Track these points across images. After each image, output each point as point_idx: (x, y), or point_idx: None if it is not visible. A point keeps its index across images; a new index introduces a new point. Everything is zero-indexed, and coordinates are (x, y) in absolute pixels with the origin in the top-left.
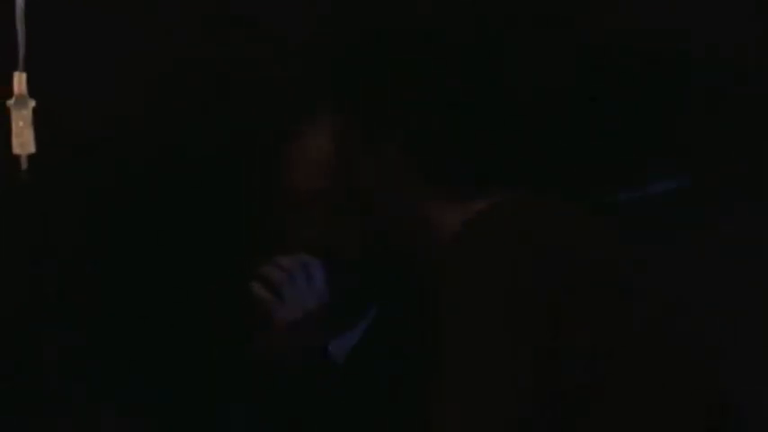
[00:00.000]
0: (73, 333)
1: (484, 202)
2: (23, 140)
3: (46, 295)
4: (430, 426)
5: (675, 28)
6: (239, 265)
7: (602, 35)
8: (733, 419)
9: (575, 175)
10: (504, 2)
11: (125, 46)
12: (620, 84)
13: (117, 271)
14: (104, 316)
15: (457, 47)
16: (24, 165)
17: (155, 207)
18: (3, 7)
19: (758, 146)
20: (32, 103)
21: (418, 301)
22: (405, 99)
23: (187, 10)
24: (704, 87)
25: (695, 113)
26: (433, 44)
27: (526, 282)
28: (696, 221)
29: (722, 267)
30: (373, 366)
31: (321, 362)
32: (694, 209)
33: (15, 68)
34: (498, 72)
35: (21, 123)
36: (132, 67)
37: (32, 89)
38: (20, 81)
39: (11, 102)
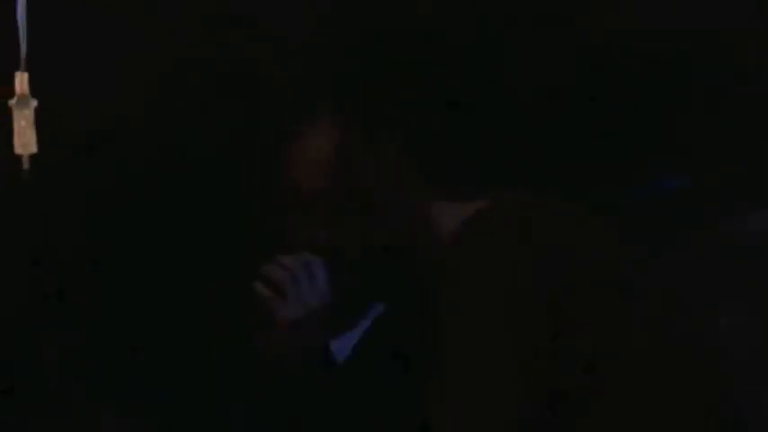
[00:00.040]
0: (73, 333)
1: (484, 202)
2: (25, 140)
3: (46, 295)
4: (430, 426)
5: (675, 28)
6: (239, 265)
7: (602, 35)
8: (733, 419)
9: (575, 175)
10: (504, 2)
11: (125, 46)
12: (620, 84)
13: (117, 271)
14: (104, 316)
15: (457, 47)
16: (26, 165)
17: (155, 207)
18: (4, 7)
19: (758, 146)
20: (34, 103)
21: (418, 301)
22: (405, 99)
23: (187, 10)
24: (704, 87)
25: (695, 113)
26: (432, 44)
27: (526, 282)
28: (696, 221)
29: (722, 267)
30: (373, 366)
31: (322, 361)
32: (694, 209)
33: (17, 68)
34: (498, 72)
35: (23, 123)
36: (132, 67)
37: (33, 89)
38: (22, 81)
39: (13, 101)
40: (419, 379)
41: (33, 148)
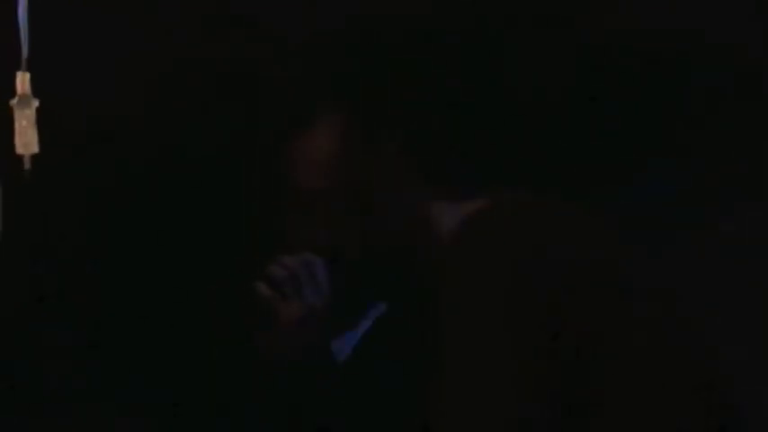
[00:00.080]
0: (73, 333)
1: (484, 202)
2: (27, 140)
3: (46, 295)
4: (430, 426)
5: (675, 28)
6: (239, 265)
7: (602, 35)
8: (733, 419)
9: (575, 175)
10: (504, 2)
11: (125, 46)
12: (620, 84)
13: (117, 271)
14: (104, 316)
15: (457, 47)
16: (28, 164)
17: (155, 207)
18: (5, 7)
19: (758, 146)
20: (36, 103)
21: (418, 301)
22: (405, 99)
23: (187, 10)
24: (704, 87)
25: (695, 113)
26: (432, 44)
27: (526, 282)
28: (696, 221)
29: (722, 267)
30: (373, 366)
31: (322, 361)
32: (694, 209)
33: (18, 68)
34: (498, 72)
35: (24, 123)
36: (132, 67)
37: (34, 89)
38: (23, 80)
39: (14, 101)
40: (419, 379)
41: (35, 148)
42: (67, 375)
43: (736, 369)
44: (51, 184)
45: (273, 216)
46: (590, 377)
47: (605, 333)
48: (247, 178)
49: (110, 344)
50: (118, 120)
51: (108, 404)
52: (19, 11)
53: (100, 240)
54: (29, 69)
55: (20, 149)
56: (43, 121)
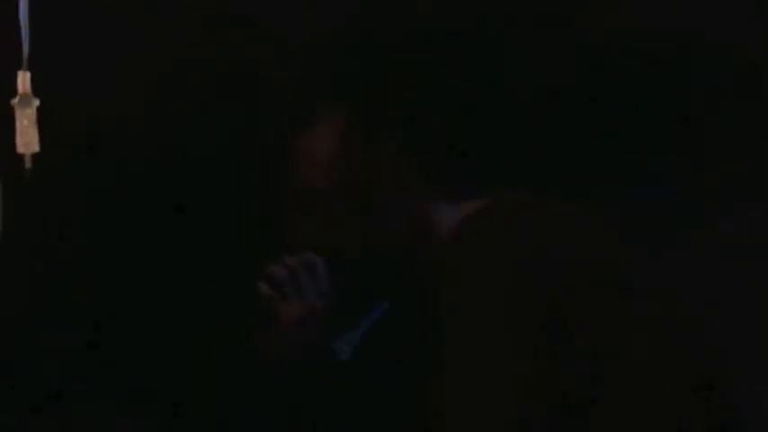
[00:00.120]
0: (73, 333)
1: (484, 202)
2: (27, 140)
3: (46, 295)
4: (430, 426)
5: (675, 28)
6: (239, 265)
7: (602, 35)
8: (733, 419)
9: (575, 175)
10: (504, 2)
11: (125, 46)
12: (620, 84)
13: (117, 271)
14: (104, 316)
15: (457, 47)
16: (28, 164)
17: (155, 207)
18: (6, 7)
19: (758, 146)
20: (37, 102)
21: (418, 301)
22: (405, 99)
23: (187, 10)
24: (704, 87)
25: (695, 113)
26: (432, 44)
27: (526, 282)
28: (696, 221)
29: (722, 267)
30: (373, 366)
31: (322, 361)
32: (694, 209)
33: (19, 67)
34: (498, 72)
35: (25, 122)
36: (132, 67)
37: (35, 88)
38: (24, 80)
39: (15, 100)
40: (419, 379)
41: (35, 148)
42: (67, 375)
43: (736, 369)
44: (51, 183)
45: (273, 216)
46: (590, 377)
47: (605, 333)
48: (247, 178)
49: (110, 344)
50: (118, 120)
51: (108, 404)
52: (20, 10)
53: (100, 240)
54: (29, 69)
55: (20, 149)
56: (44, 121)
